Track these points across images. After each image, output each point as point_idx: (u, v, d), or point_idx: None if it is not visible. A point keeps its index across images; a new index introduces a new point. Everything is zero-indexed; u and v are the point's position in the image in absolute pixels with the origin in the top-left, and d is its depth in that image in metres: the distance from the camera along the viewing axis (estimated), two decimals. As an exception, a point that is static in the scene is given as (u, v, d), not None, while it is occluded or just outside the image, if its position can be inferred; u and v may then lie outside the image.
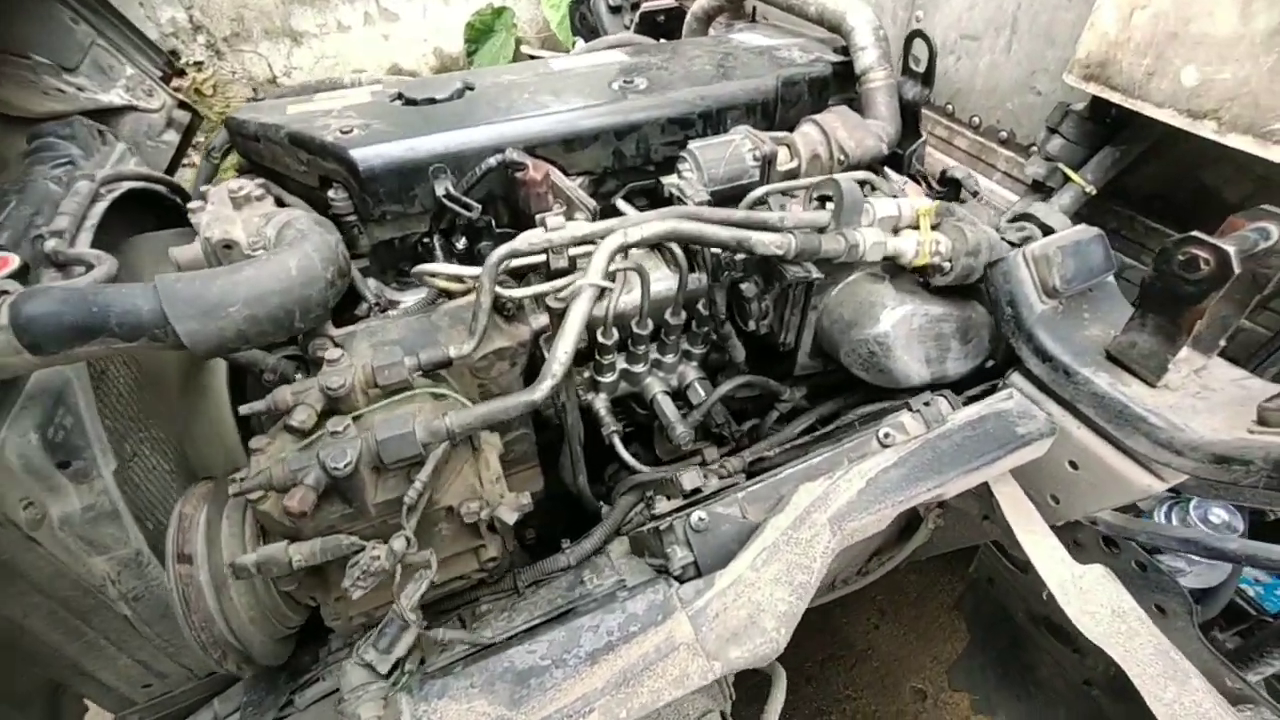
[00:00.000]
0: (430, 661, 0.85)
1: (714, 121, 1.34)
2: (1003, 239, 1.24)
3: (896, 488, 0.91)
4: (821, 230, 1.04)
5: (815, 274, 1.03)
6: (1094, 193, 1.26)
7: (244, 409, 0.93)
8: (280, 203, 1.23)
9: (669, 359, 1.37)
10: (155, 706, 1.26)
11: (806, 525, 0.85)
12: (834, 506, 0.87)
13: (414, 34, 4.96)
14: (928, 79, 1.35)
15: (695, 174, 1.21)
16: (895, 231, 1.10)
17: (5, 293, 0.83)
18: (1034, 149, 1.41)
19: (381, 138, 1.14)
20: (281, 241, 1.04)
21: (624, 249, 1.01)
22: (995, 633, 2.08)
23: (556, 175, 1.26)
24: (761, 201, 1.15)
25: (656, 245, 1.22)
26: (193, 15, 4.07)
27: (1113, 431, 0.96)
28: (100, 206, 1.21)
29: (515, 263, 1.01)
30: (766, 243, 0.97)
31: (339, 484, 0.86)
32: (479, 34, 5.01)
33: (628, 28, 2.40)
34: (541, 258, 1.08)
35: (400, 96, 1.30)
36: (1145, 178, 1.29)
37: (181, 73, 4.43)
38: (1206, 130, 0.99)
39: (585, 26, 2.75)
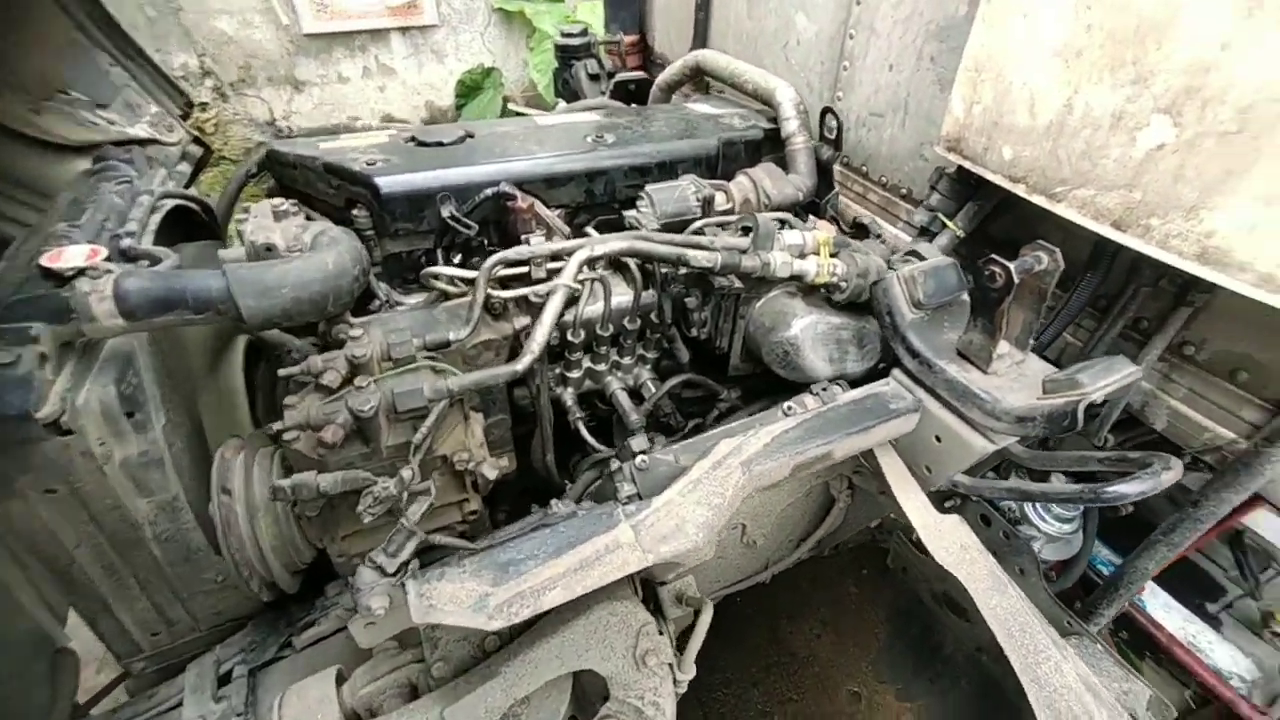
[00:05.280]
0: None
1: (668, 171, 1.68)
2: (891, 268, 1.58)
3: (794, 443, 1.19)
4: (743, 252, 1.35)
5: (737, 284, 1.33)
6: (963, 235, 1.62)
7: (282, 372, 1.17)
8: (309, 218, 1.50)
9: (626, 361, 1.65)
10: (157, 657, 1.42)
11: (723, 467, 1.12)
12: (745, 454, 1.14)
13: (408, 87, 5.37)
14: (837, 144, 1.72)
15: (650, 209, 1.52)
16: (802, 256, 1.42)
17: (109, 271, 1.07)
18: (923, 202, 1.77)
19: (400, 169, 1.43)
20: (318, 245, 1.31)
21: (592, 260, 1.30)
22: (909, 620, 2.32)
23: (539, 206, 1.56)
24: (699, 232, 1.46)
25: (618, 266, 1.53)
26: (204, 62, 4.39)
27: (959, 407, 1.27)
28: (157, 216, 1.46)
29: (504, 271, 1.29)
30: (700, 258, 1.27)
31: (361, 426, 1.09)
32: (468, 90, 5.45)
33: (604, 93, 2.79)
34: (524, 270, 1.37)
35: (414, 139, 1.61)
36: (1001, 226, 1.65)
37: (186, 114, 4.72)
38: (1021, 191, 1.34)
39: (568, 90, 3.14)
